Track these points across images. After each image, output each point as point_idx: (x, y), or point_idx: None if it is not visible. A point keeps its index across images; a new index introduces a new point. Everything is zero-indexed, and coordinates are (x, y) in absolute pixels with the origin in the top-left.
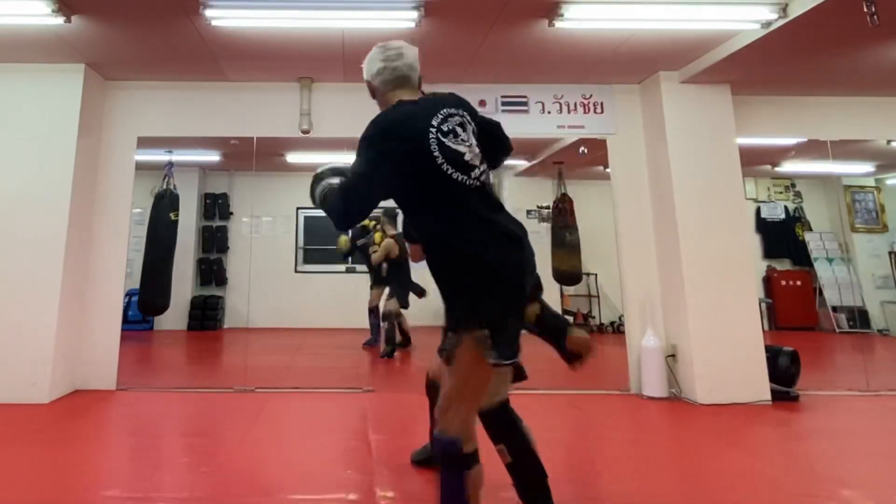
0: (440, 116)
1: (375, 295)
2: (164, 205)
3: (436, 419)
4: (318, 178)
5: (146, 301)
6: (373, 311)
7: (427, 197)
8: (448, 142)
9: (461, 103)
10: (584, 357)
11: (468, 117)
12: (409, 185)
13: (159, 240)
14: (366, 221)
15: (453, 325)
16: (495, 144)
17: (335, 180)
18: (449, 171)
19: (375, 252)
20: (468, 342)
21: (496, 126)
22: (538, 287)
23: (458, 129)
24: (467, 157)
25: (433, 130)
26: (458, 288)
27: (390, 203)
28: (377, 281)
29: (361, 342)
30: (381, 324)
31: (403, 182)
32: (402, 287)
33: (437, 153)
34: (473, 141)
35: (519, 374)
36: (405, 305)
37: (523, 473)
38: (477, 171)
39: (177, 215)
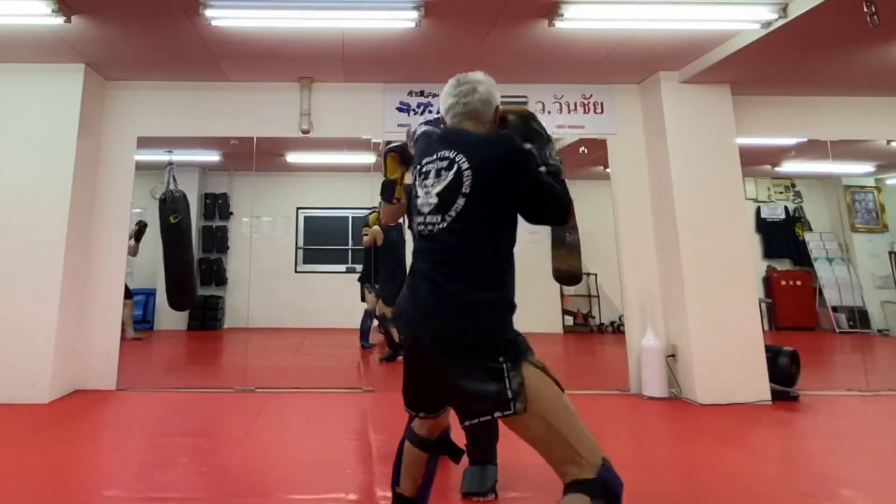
0: (432, 156)
1: (371, 299)
2: (165, 208)
3: (569, 473)
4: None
5: (171, 302)
6: (370, 315)
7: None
8: (418, 183)
9: (471, 147)
10: None
11: (462, 164)
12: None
13: (164, 244)
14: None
15: (510, 363)
16: (530, 212)
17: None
18: (412, 209)
19: (366, 236)
20: (530, 371)
21: (544, 200)
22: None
23: (432, 174)
24: (420, 202)
25: (418, 167)
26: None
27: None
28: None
29: (361, 342)
30: (379, 329)
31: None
32: (389, 282)
33: (415, 188)
34: (438, 188)
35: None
36: (390, 304)
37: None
38: (422, 219)
39: (177, 217)
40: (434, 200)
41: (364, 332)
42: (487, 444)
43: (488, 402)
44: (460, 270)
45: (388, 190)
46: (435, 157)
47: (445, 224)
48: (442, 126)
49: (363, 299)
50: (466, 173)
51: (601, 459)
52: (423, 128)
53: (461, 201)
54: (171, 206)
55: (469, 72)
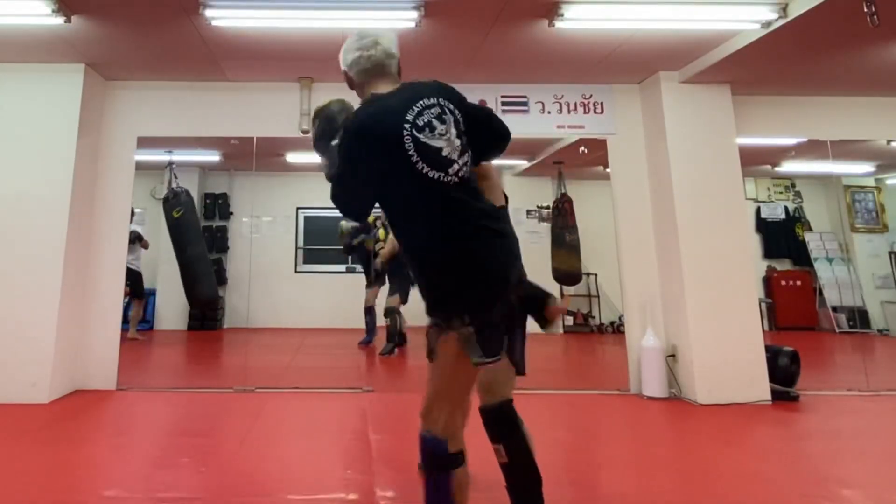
0: (416, 109)
1: (371, 295)
2: (168, 206)
3: (421, 419)
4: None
5: (188, 297)
6: (369, 310)
7: (405, 195)
8: (423, 137)
9: (440, 91)
10: (554, 321)
11: (449, 106)
12: (386, 184)
13: (172, 241)
14: (370, 218)
15: (436, 321)
16: (487, 134)
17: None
18: (425, 170)
19: (382, 248)
20: (451, 339)
21: (488, 116)
22: (521, 275)
23: (435, 122)
24: (445, 151)
25: (407, 126)
26: (441, 284)
27: None
28: (373, 280)
29: (359, 343)
30: (385, 320)
31: (381, 181)
32: (405, 283)
33: (411, 151)
34: (453, 132)
35: (518, 369)
36: (405, 301)
37: (518, 476)
38: (456, 167)
39: (179, 211)
40: (458, 142)
41: (372, 328)
42: (530, 490)
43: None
44: (490, 208)
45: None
46: (420, 104)
47: (468, 165)
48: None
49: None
50: (456, 112)
51: (436, 434)
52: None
53: (464, 139)
54: (174, 201)
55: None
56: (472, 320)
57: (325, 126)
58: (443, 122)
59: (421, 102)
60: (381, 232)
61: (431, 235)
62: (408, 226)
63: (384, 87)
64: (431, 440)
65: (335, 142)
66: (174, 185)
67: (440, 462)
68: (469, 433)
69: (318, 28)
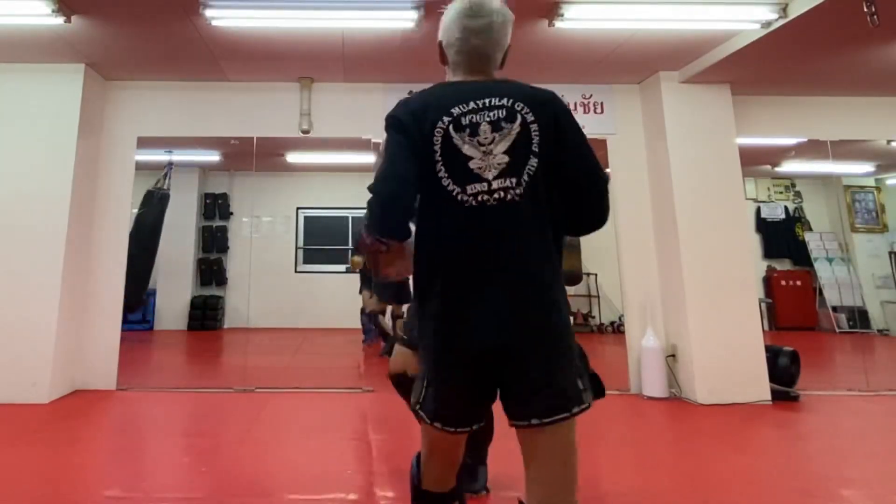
0: (470, 105)
1: (367, 296)
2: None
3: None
4: None
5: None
6: (364, 310)
7: (422, 203)
8: (457, 139)
9: (526, 97)
10: None
11: (527, 115)
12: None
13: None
14: None
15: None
16: (569, 189)
17: None
18: (442, 177)
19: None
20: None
21: (579, 153)
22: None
23: (485, 126)
24: (474, 164)
25: (446, 120)
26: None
27: None
28: (365, 284)
29: (361, 342)
30: (381, 321)
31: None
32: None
33: (437, 149)
34: (503, 146)
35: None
36: (384, 300)
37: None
38: (481, 186)
39: (140, 210)
40: (504, 160)
41: (368, 328)
42: (480, 446)
43: (567, 398)
44: (544, 254)
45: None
46: (478, 104)
47: (522, 189)
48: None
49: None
50: (533, 127)
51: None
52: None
53: (533, 161)
54: (144, 198)
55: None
56: (438, 380)
57: None
58: (497, 129)
59: (484, 101)
60: None
61: (422, 259)
62: (417, 235)
63: (461, 78)
64: (413, 474)
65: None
66: (160, 185)
67: (415, 496)
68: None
69: (318, 28)
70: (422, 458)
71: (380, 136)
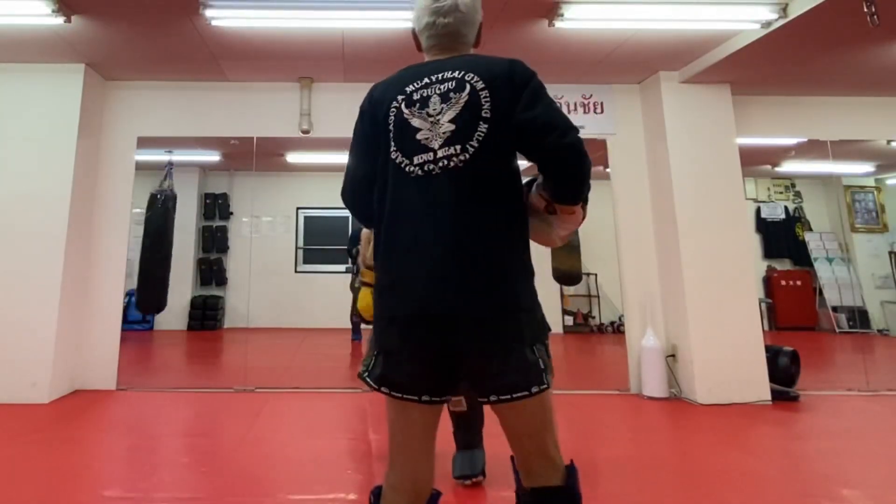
0: (424, 80)
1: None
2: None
3: (540, 472)
4: None
5: (136, 299)
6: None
7: (378, 175)
8: (407, 113)
9: (480, 67)
10: None
11: (477, 83)
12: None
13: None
14: None
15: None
16: (526, 141)
17: None
18: (392, 149)
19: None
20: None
21: (534, 118)
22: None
23: (435, 98)
24: (421, 135)
25: (401, 98)
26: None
27: None
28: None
29: (350, 339)
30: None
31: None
32: None
33: (391, 126)
34: (450, 114)
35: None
36: None
37: (473, 420)
38: (426, 156)
39: (148, 213)
40: (449, 128)
41: (357, 326)
42: (474, 430)
43: (525, 377)
44: (491, 221)
45: None
46: (432, 78)
47: (468, 156)
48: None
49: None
50: (483, 94)
51: (569, 460)
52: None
53: (483, 127)
54: (150, 201)
55: None
56: (386, 349)
57: None
58: (446, 99)
59: (437, 76)
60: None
61: (378, 230)
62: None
63: (439, 56)
64: (577, 481)
65: None
66: (162, 186)
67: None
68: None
69: (318, 28)
70: (385, 472)
71: None
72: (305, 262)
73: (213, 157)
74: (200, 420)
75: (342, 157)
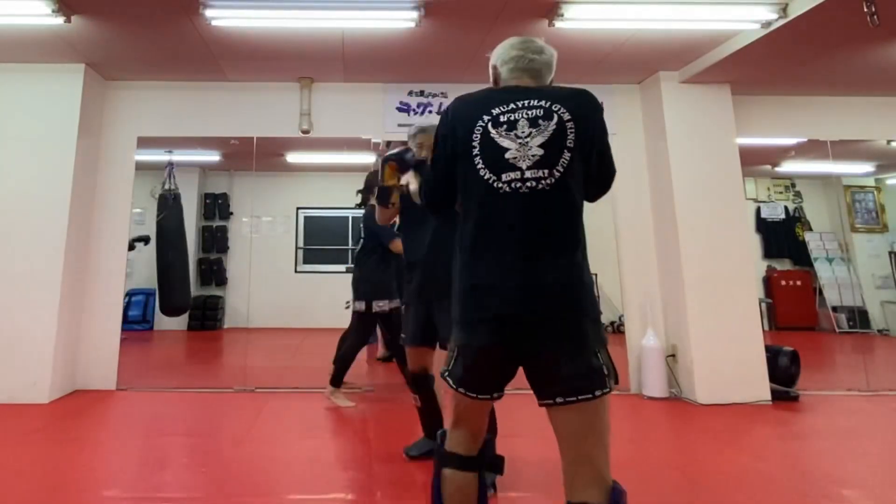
0: (510, 105)
1: None
2: (157, 207)
3: (587, 490)
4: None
5: (160, 302)
6: None
7: (462, 192)
8: (494, 133)
9: (567, 98)
10: None
11: (564, 115)
12: (454, 173)
13: (157, 243)
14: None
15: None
16: (592, 170)
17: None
18: (479, 167)
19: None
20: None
21: (601, 151)
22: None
23: (523, 122)
24: (510, 154)
25: (486, 119)
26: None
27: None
28: None
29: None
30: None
31: (452, 169)
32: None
33: (475, 143)
34: (539, 140)
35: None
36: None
37: (428, 417)
38: (514, 174)
39: (160, 215)
40: (538, 152)
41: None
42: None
43: (590, 380)
44: (568, 236)
45: (384, 195)
46: (520, 104)
47: (553, 180)
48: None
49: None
50: (569, 125)
51: (612, 480)
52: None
53: (567, 155)
54: (160, 204)
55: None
56: (466, 356)
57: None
58: (535, 125)
59: (524, 102)
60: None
61: (459, 242)
62: (460, 222)
63: (512, 83)
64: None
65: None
66: (167, 187)
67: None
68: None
69: (318, 28)
70: (449, 426)
71: (379, 137)
72: (305, 262)
73: (213, 157)
74: (200, 420)
75: (342, 157)
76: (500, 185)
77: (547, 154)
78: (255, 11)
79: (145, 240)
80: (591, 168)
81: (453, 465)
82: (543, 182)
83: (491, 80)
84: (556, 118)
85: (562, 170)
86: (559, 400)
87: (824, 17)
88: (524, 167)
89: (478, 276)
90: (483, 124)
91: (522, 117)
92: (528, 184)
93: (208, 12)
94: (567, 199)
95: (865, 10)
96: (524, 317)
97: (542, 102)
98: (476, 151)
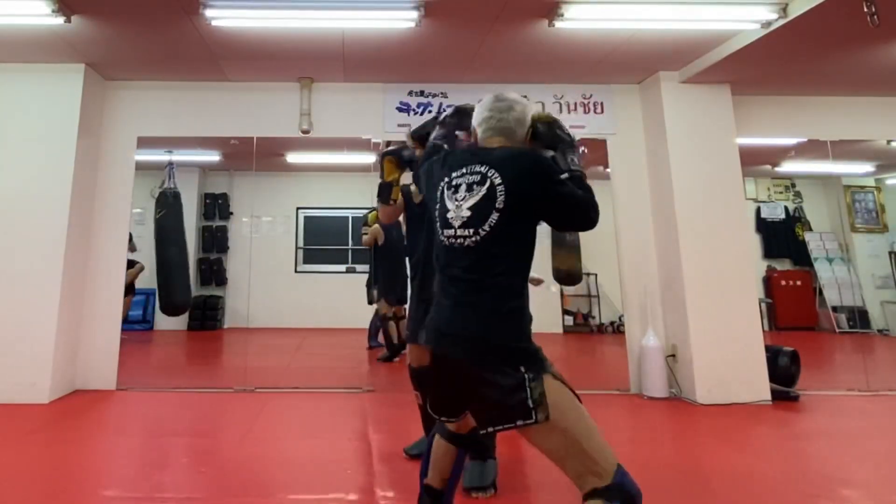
0: (462, 171)
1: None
2: (155, 206)
3: (587, 483)
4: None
5: (160, 302)
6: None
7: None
8: (447, 196)
9: (504, 165)
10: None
11: (495, 179)
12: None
13: (155, 241)
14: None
15: (534, 374)
16: (557, 219)
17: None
18: (437, 221)
19: (366, 235)
20: (552, 381)
21: (571, 204)
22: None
23: (462, 188)
24: (450, 215)
25: (446, 181)
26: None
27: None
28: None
29: (361, 342)
30: (379, 324)
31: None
32: (390, 281)
33: (437, 203)
34: (469, 203)
35: None
36: (392, 304)
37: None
38: (451, 231)
39: (159, 212)
40: (466, 214)
41: (374, 331)
42: (487, 439)
43: (510, 411)
44: (488, 283)
45: (385, 192)
46: (466, 170)
47: (479, 238)
48: (471, 139)
49: (370, 302)
50: (500, 188)
51: (616, 465)
52: (440, 140)
53: (495, 216)
54: (159, 201)
55: (507, 92)
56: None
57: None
58: (469, 190)
59: (471, 167)
60: (371, 215)
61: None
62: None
63: (487, 145)
64: (631, 492)
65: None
66: (166, 186)
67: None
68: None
69: (318, 28)
70: (604, 449)
71: (379, 137)
72: (305, 262)
73: (213, 157)
74: (200, 420)
75: (342, 158)
76: (443, 238)
77: (473, 216)
78: (255, 11)
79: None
80: (555, 211)
81: (444, 435)
82: (469, 239)
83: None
84: (488, 183)
85: (487, 229)
86: (485, 430)
87: (824, 17)
88: (456, 226)
89: (431, 316)
90: (443, 185)
91: (464, 182)
92: (459, 240)
93: (208, 12)
94: (495, 252)
95: (865, 10)
96: (446, 353)
97: (481, 168)
98: (437, 206)
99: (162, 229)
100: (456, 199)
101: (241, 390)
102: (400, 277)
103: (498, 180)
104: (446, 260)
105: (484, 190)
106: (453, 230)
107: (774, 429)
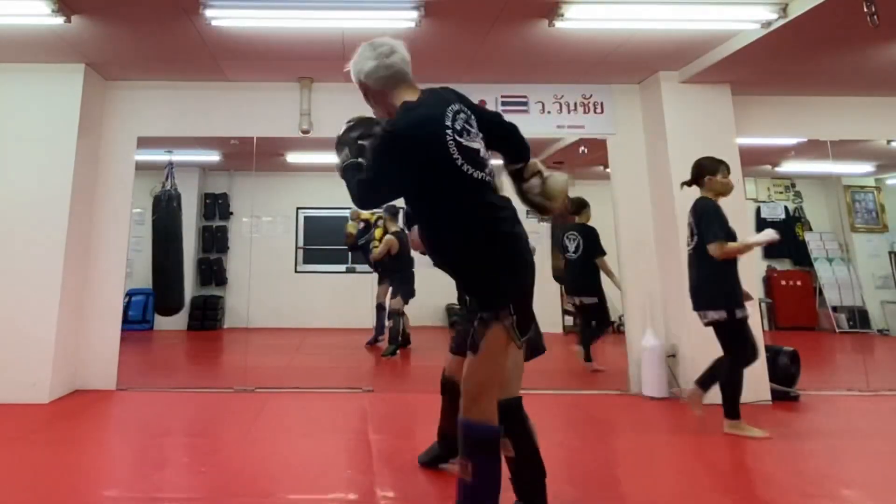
0: (450, 115)
1: (382, 291)
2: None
3: (465, 408)
4: (344, 141)
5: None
6: (380, 307)
7: (447, 191)
8: (464, 141)
9: (460, 97)
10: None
11: (468, 111)
12: (426, 184)
13: (152, 242)
14: (367, 214)
15: (486, 316)
16: (502, 135)
17: (358, 156)
18: (468, 171)
19: (376, 248)
20: (497, 329)
21: (497, 117)
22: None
23: (468, 126)
24: (482, 153)
25: (449, 132)
26: (493, 280)
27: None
28: (383, 277)
29: (361, 342)
30: (387, 322)
31: (420, 182)
32: (404, 284)
33: (456, 155)
34: (480, 136)
35: (539, 348)
36: (406, 302)
37: (524, 469)
38: (489, 167)
39: (155, 215)
40: (483, 144)
41: (381, 328)
42: (533, 482)
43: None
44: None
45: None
46: (450, 114)
47: (490, 169)
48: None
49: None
50: (473, 118)
51: (487, 421)
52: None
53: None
54: (154, 204)
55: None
56: (516, 310)
57: (366, 128)
58: (472, 126)
59: (451, 108)
60: (377, 231)
61: (476, 234)
62: (449, 215)
63: (408, 95)
64: (487, 428)
65: (367, 143)
66: (165, 186)
67: (496, 448)
68: None
69: (318, 28)
70: (493, 403)
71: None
72: (305, 262)
73: (213, 157)
74: (200, 420)
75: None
76: (486, 175)
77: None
78: (254, 11)
79: None
80: (501, 139)
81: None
82: (488, 176)
83: (364, 96)
84: (470, 115)
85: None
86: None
87: (824, 17)
88: (487, 158)
89: (517, 253)
90: (451, 136)
91: (463, 122)
92: (490, 170)
93: (208, 12)
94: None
95: (865, 10)
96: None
97: (456, 106)
98: (460, 161)
99: (157, 231)
100: (474, 138)
101: (241, 390)
102: (411, 276)
103: (468, 111)
104: (499, 199)
105: (475, 122)
106: (489, 165)
107: (774, 429)
